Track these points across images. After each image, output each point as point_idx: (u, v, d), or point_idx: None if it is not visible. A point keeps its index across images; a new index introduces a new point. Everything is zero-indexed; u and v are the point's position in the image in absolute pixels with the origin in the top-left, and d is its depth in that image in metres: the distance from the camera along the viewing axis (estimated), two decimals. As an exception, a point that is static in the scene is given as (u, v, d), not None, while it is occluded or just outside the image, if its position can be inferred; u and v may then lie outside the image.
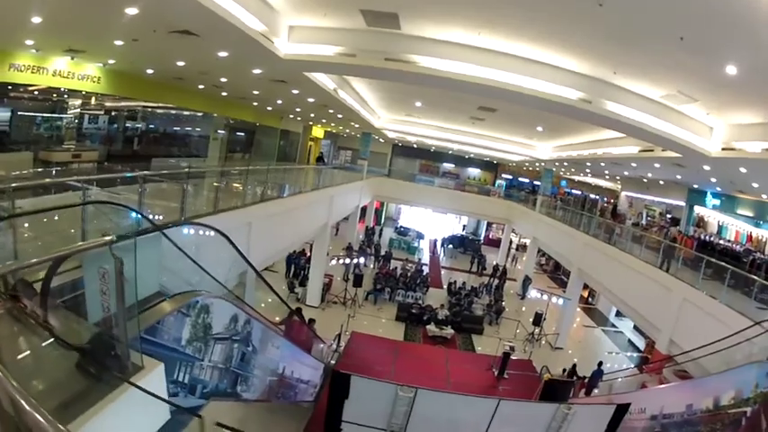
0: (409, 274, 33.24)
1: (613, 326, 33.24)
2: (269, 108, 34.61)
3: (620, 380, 18.02)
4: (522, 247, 48.34)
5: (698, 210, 31.29)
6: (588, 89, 13.47)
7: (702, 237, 27.31)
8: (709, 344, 11.70)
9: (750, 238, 26.58)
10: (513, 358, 21.59)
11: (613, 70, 12.77)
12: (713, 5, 7.83)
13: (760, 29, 7.84)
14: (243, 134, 42.22)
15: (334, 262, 29.22)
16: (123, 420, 3.85)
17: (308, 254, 29.89)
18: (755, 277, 14.79)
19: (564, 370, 20.86)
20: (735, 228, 28.25)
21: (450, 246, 48.08)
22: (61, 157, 22.21)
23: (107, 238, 4.07)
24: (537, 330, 26.69)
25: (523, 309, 32.20)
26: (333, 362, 18.34)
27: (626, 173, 31.63)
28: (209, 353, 6.74)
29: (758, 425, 9.09)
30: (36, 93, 21.47)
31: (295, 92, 21.90)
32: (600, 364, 19.56)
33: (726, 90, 11.62)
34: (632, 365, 24.22)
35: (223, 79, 21.92)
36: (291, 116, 39.79)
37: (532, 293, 30.85)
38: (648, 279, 18.52)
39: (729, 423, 9.82)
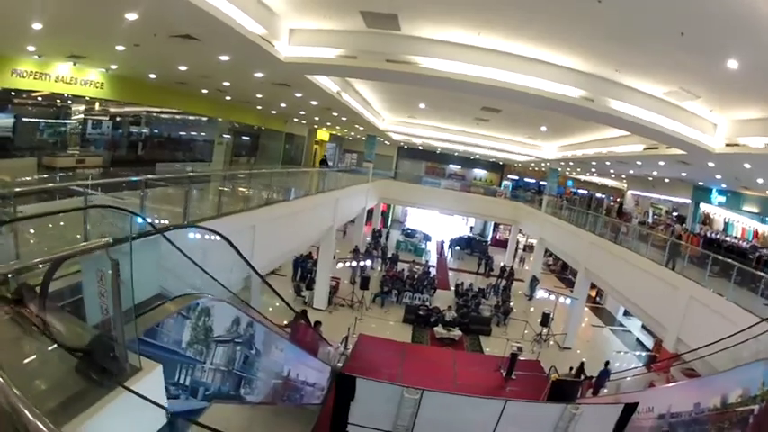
0: (416, 276, 33.22)
1: (621, 325, 33.17)
2: (273, 112, 34.64)
3: (628, 379, 17.93)
4: (529, 248, 48.16)
5: (704, 207, 31.24)
6: (590, 87, 13.39)
7: (708, 234, 27.22)
8: (716, 341, 11.60)
9: (756, 234, 26.47)
10: (521, 359, 21.54)
11: (615, 68, 12.69)
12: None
13: (760, 23, 7.78)
14: (248, 138, 42.31)
15: (340, 265, 29.22)
16: (121, 421, 3.82)
17: (315, 257, 29.78)
18: (762, 274, 14.73)
19: (571, 368, 20.77)
20: (741, 224, 28.15)
21: (458, 247, 47.98)
22: (65, 163, 22.15)
23: (103, 240, 4.10)
24: (545, 330, 26.64)
25: (531, 309, 32.10)
26: (340, 364, 18.33)
27: (631, 171, 31.48)
28: (211, 355, 6.73)
29: (765, 423, 9.03)
30: (40, 98, 21.50)
31: (298, 95, 21.86)
32: (607, 363, 19.45)
33: (728, 86, 11.54)
34: (641, 364, 24.13)
35: (226, 83, 21.89)
36: (296, 119, 39.73)
37: (540, 294, 30.68)
38: (655, 277, 18.46)
39: (737, 421, 9.73)
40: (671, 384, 14.07)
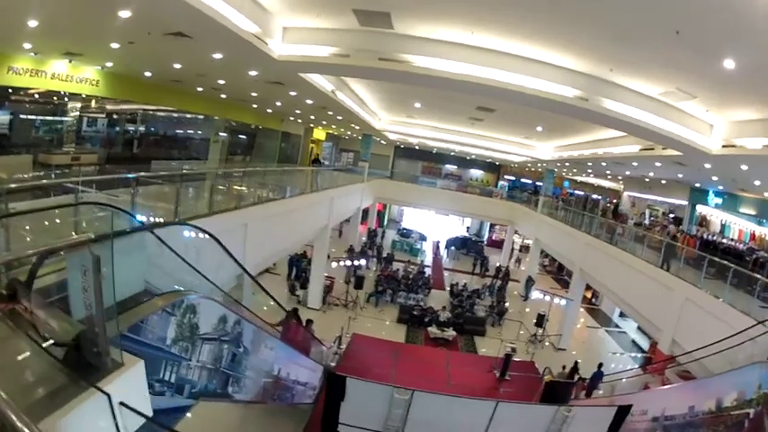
0: (411, 276, 33.18)
1: (617, 326, 33.18)
2: (269, 110, 34.69)
3: (624, 380, 17.90)
4: (525, 249, 48.12)
5: (700, 209, 31.21)
6: (585, 87, 13.35)
7: (705, 236, 27.17)
8: (712, 344, 11.56)
9: (753, 236, 26.46)
10: (516, 359, 21.48)
11: (610, 67, 12.64)
12: (709, -3, 7.74)
13: (757, 22, 7.72)
14: (244, 137, 42.35)
15: (335, 264, 29.19)
16: (102, 416, 3.79)
17: (310, 256, 29.68)
18: (758, 276, 14.66)
19: (564, 366, 20.73)
20: (738, 226, 28.14)
21: (453, 247, 47.90)
22: (60, 160, 22.24)
23: (84, 236, 4.12)
24: (539, 331, 26.62)
25: (527, 310, 32.06)
26: (333, 364, 18.27)
27: (628, 172, 31.51)
28: (197, 353, 6.68)
29: (761, 427, 8.92)
30: (36, 96, 21.55)
31: (293, 94, 21.85)
32: (600, 365, 19.43)
33: (725, 86, 11.47)
34: (636, 366, 24.12)
35: (221, 81, 21.92)
36: (292, 118, 39.79)
37: (535, 294, 30.66)
38: (650, 279, 18.44)
39: (732, 425, 9.63)
40: (665, 387, 14.01)
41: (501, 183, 54.48)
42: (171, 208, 10.89)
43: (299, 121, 41.48)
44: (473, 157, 49.58)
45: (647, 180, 33.38)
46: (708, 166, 18.18)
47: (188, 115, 33.79)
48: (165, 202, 11.00)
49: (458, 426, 11.57)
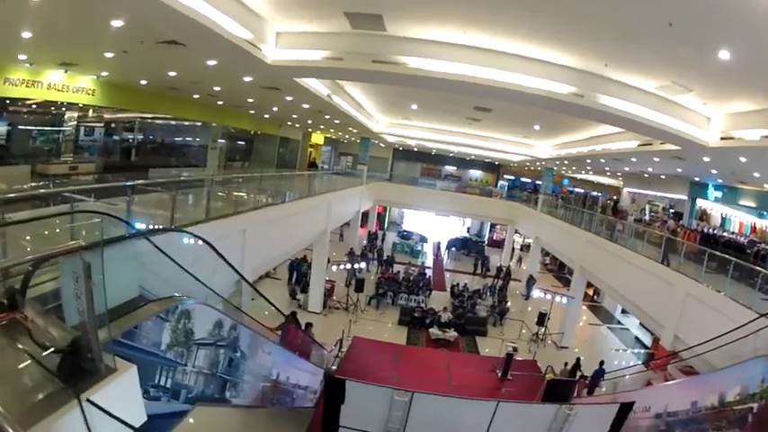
0: (412, 278, 33.16)
1: (619, 323, 33.17)
2: (266, 116, 34.70)
3: (627, 377, 17.81)
4: (526, 248, 48.05)
5: (700, 203, 31.19)
6: (579, 83, 13.26)
7: (705, 230, 27.14)
8: (714, 338, 11.50)
9: (754, 229, 26.43)
10: (518, 359, 21.48)
11: (604, 63, 12.58)
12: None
13: (750, 11, 7.68)
14: (242, 143, 42.52)
15: (335, 268, 29.17)
16: (95, 422, 3.78)
17: (310, 260, 29.64)
18: (760, 268, 14.62)
19: (566, 363, 20.71)
20: (738, 219, 28.11)
21: (453, 248, 47.87)
22: (58, 170, 22.38)
23: (73, 243, 4.16)
24: (541, 330, 26.56)
25: (529, 309, 32.04)
26: (334, 367, 18.24)
27: (626, 168, 31.45)
28: (193, 358, 6.68)
29: (765, 421, 8.83)
30: (34, 106, 21.59)
31: (289, 98, 21.85)
32: (601, 363, 19.39)
33: (721, 77, 11.39)
34: (639, 362, 24.10)
35: (216, 88, 21.92)
36: (289, 123, 39.83)
37: (536, 293, 30.62)
38: (650, 275, 18.42)
39: (735, 420, 9.53)
40: (668, 383, 13.93)
41: (500, 182, 54.47)
42: (168, 215, 10.91)
43: (297, 125, 41.48)
44: (472, 157, 49.58)
45: (647, 176, 33.36)
46: (706, 159, 18.16)
47: (186, 123, 33.90)
48: (163, 210, 11.03)
49: (459, 427, 11.51)
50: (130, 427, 4.15)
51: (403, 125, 33.91)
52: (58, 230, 6.47)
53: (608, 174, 40.02)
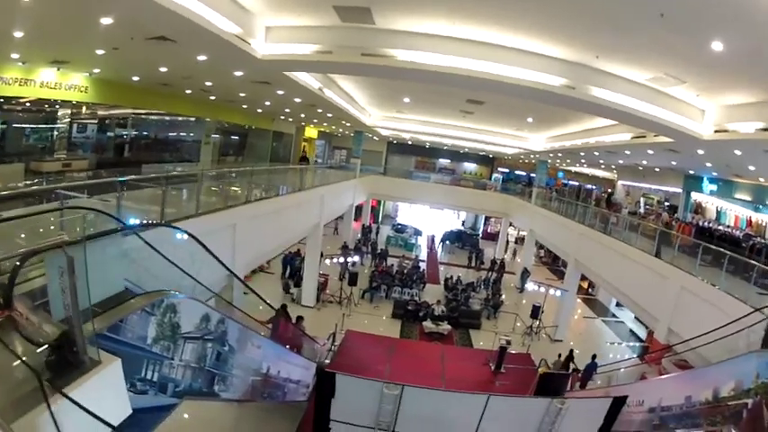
0: (405, 271, 33.18)
1: (614, 316, 33.16)
2: (259, 110, 34.67)
3: (622, 370, 17.84)
4: (521, 240, 48.06)
5: (695, 196, 31.24)
6: (571, 75, 13.24)
7: (701, 223, 27.15)
8: (708, 332, 11.48)
9: (750, 222, 26.44)
10: (512, 352, 21.46)
11: (595, 54, 12.53)
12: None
13: (743, 0, 7.65)
14: (236, 137, 42.51)
15: (328, 261, 29.16)
16: (80, 414, 3.93)
17: (304, 254, 29.67)
18: (755, 262, 14.58)
19: (560, 355, 20.73)
20: (734, 213, 28.12)
21: (448, 241, 47.98)
22: (51, 167, 22.41)
23: (58, 238, 4.39)
24: (535, 323, 26.60)
25: (523, 302, 32.04)
26: (327, 361, 18.23)
27: (621, 161, 31.42)
28: (180, 351, 6.68)
29: (760, 417, 8.76)
30: (27, 104, 21.66)
31: (280, 92, 21.85)
32: (594, 357, 19.40)
33: (714, 69, 11.34)
34: (634, 355, 24.16)
35: (208, 83, 21.94)
36: (282, 117, 39.90)
37: (530, 286, 30.62)
38: (645, 268, 18.36)
39: (730, 415, 9.48)
40: (661, 377, 13.96)
41: (495, 175, 54.54)
42: (158, 210, 10.91)
43: (290, 119, 41.53)
44: (466, 150, 49.50)
45: (641, 169, 33.38)
46: (701, 152, 18.15)
47: (179, 118, 33.95)
48: (156, 205, 11.03)
49: (450, 420, 11.52)
50: (108, 425, 4.20)
51: (396, 118, 33.95)
52: (52, 227, 6.50)
53: (602, 166, 40.08)
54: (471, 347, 24.80)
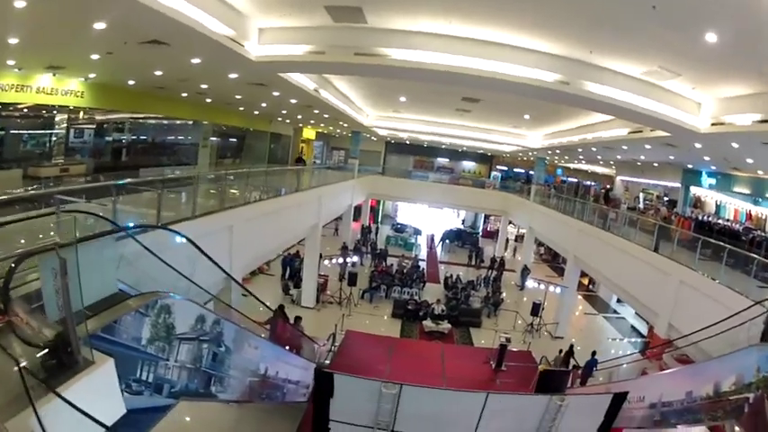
0: (405, 271, 33.16)
1: (615, 312, 33.20)
2: (256, 112, 34.68)
3: (624, 365, 17.77)
4: (521, 238, 48.03)
5: (694, 190, 31.14)
6: (565, 70, 13.21)
7: (700, 217, 27.10)
8: (708, 326, 11.43)
9: (749, 216, 26.40)
10: (513, 349, 21.45)
11: (589, 49, 12.51)
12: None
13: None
14: (234, 140, 42.57)
15: (327, 262, 29.15)
16: (73, 414, 3.97)
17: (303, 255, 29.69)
18: (755, 255, 14.58)
19: (560, 351, 20.72)
20: (733, 206, 28.08)
21: (447, 240, 48.02)
22: (49, 172, 22.35)
23: (51, 241, 4.63)
24: (536, 320, 26.58)
25: (524, 299, 32.01)
26: (327, 362, 18.21)
27: (618, 157, 31.41)
28: (175, 352, 6.71)
29: (761, 411, 8.65)
30: (24, 110, 21.67)
31: (276, 94, 21.84)
32: (594, 353, 19.36)
33: (709, 61, 11.30)
34: (636, 351, 24.11)
35: (203, 86, 21.91)
36: (280, 119, 39.87)
37: (531, 283, 30.66)
38: (644, 263, 18.36)
39: (731, 410, 9.40)
40: (662, 372, 13.86)
41: (494, 173, 54.51)
42: (155, 213, 10.95)
43: (288, 121, 41.53)
44: (464, 149, 49.49)
45: (639, 164, 33.37)
46: (698, 145, 18.07)
47: (177, 121, 33.97)
48: (152, 209, 11.04)
49: (450, 419, 11.47)
50: (101, 424, 4.21)
51: (393, 118, 33.95)
52: (52, 233, 6.53)
53: (601, 162, 40.05)
54: (472, 346, 24.77)
